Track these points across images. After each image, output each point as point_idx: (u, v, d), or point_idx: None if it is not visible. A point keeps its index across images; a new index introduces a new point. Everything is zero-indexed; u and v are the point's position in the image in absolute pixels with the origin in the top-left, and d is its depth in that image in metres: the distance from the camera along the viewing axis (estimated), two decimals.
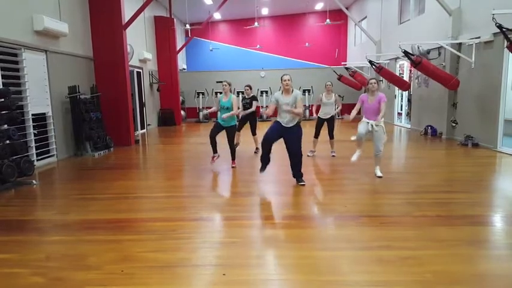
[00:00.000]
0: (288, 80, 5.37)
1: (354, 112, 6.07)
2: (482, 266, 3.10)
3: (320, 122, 7.90)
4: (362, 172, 6.41)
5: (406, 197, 5.04)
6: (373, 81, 5.95)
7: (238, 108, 7.44)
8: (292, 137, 5.47)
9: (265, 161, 5.71)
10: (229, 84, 6.86)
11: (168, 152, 9.93)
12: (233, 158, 7.07)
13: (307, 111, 16.57)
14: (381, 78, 14.19)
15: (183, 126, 16.23)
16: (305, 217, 4.37)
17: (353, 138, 6.22)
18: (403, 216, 4.27)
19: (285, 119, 5.41)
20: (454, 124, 9.92)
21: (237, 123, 7.84)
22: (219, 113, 6.94)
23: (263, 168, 5.77)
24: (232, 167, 6.99)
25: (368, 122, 5.95)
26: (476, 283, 2.81)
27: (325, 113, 7.83)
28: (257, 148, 8.57)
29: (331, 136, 7.95)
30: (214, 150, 7.07)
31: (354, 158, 6.18)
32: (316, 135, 7.95)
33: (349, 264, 3.14)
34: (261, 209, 4.80)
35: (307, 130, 8.00)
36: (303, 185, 5.58)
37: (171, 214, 4.51)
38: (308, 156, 7.87)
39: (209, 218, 4.44)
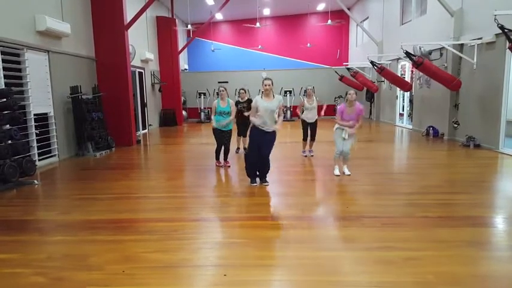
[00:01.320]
0: (269, 85, 5.41)
1: (345, 123, 6.19)
2: (483, 267, 3.10)
3: (305, 125, 8.01)
4: (363, 173, 6.40)
5: (407, 197, 5.04)
6: (352, 92, 6.15)
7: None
8: (268, 140, 5.54)
9: (255, 174, 5.79)
10: (226, 89, 7.02)
11: (169, 152, 9.95)
12: (225, 158, 7.24)
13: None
14: (383, 79, 14.19)
15: (185, 126, 16.25)
16: (306, 218, 4.37)
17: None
18: (404, 217, 4.26)
19: (266, 125, 5.42)
20: (455, 125, 9.90)
21: (237, 127, 8.26)
22: (214, 119, 6.93)
23: (255, 180, 5.80)
24: (228, 166, 7.13)
25: (343, 130, 6.12)
26: (477, 284, 2.81)
27: (308, 117, 7.94)
28: (245, 148, 8.63)
29: (313, 138, 8.06)
30: (218, 157, 7.24)
31: (337, 172, 6.30)
32: (305, 138, 8.06)
33: (350, 264, 3.14)
34: (262, 209, 4.79)
35: (293, 131, 8.01)
36: (267, 185, 5.67)
37: (173, 214, 4.52)
38: (305, 156, 8.01)
39: (210, 218, 4.44)
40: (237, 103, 8.24)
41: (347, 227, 4.01)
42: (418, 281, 2.82)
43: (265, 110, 5.36)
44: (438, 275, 2.89)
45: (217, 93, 7.18)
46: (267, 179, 5.79)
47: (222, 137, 7.01)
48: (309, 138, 8.03)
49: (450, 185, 5.82)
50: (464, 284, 2.80)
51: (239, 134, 8.60)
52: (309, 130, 7.96)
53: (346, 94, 6.26)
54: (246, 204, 4.96)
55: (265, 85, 5.40)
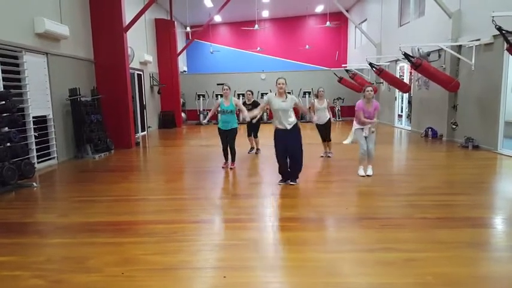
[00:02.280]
0: (283, 83, 5.44)
1: (367, 120, 6.09)
2: (483, 268, 3.10)
3: (320, 127, 8.03)
4: None
5: (406, 199, 5.04)
6: (370, 88, 6.13)
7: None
8: (292, 138, 5.53)
9: (286, 172, 5.76)
10: (230, 88, 7.00)
11: (168, 154, 9.94)
12: (233, 160, 7.14)
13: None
14: (381, 80, 14.22)
15: (184, 128, 16.24)
16: (306, 219, 4.37)
17: (345, 142, 6.38)
18: (404, 218, 4.27)
19: (286, 122, 5.46)
20: (454, 126, 9.91)
21: (247, 128, 8.30)
22: (219, 118, 7.00)
23: (285, 180, 5.80)
24: (231, 169, 7.06)
25: (362, 129, 6.14)
26: (476, 285, 2.81)
27: (320, 119, 7.95)
28: (258, 149, 8.66)
29: (328, 139, 8.08)
30: (226, 159, 7.19)
31: (362, 172, 6.28)
32: (323, 139, 8.10)
33: (350, 266, 3.14)
34: (262, 211, 4.79)
35: (309, 132, 8.02)
36: (293, 184, 5.68)
37: (172, 216, 4.51)
38: (321, 156, 8.08)
39: (210, 220, 4.44)
40: (244, 105, 8.32)
41: (346, 228, 4.01)
42: (418, 282, 2.82)
43: (281, 110, 5.42)
44: (438, 276, 2.89)
45: (217, 95, 7.28)
46: (297, 180, 5.77)
47: (226, 137, 7.00)
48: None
49: (449, 186, 5.83)
50: (464, 285, 2.80)
51: (249, 135, 8.64)
52: (324, 131, 8.00)
53: (364, 91, 6.18)
54: (246, 206, 4.95)
55: (279, 83, 5.44)
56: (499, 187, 6.00)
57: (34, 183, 6.15)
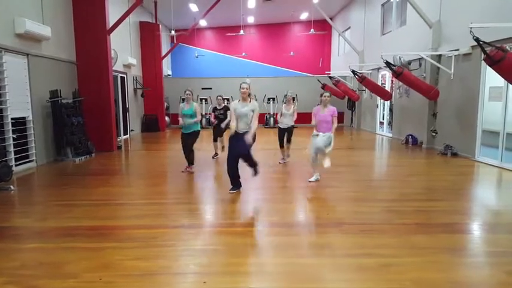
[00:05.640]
0: (246, 88, 5.39)
1: (313, 123, 6.35)
2: (460, 273, 3.17)
3: (281, 132, 8.05)
4: (344, 180, 6.47)
5: (386, 204, 5.11)
6: (327, 94, 6.32)
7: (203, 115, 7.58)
8: (242, 140, 5.38)
9: (236, 183, 5.69)
10: (192, 93, 7.08)
11: (150, 158, 9.84)
12: (191, 163, 7.20)
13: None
14: (364, 87, 14.44)
15: (167, 132, 16.12)
16: (287, 224, 4.38)
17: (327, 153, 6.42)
18: (383, 224, 4.33)
19: (240, 127, 5.43)
20: (434, 134, 10.14)
21: (213, 133, 8.50)
22: (183, 122, 7.02)
23: (235, 188, 5.70)
24: (182, 172, 7.12)
25: (317, 135, 6.20)
26: None
27: (284, 123, 8.01)
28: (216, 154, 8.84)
29: (289, 141, 8.05)
30: (189, 163, 7.23)
31: (313, 179, 6.32)
32: (281, 145, 8.11)
33: (330, 271, 3.16)
34: (243, 216, 4.80)
35: (273, 138, 8.05)
36: (255, 175, 5.75)
37: (153, 221, 4.45)
38: (280, 163, 8.03)
39: (191, 225, 4.40)
40: (214, 109, 8.57)
41: (327, 234, 4.04)
42: (396, 287, 2.86)
43: (239, 115, 5.39)
44: (416, 281, 2.94)
45: (201, 99, 7.32)
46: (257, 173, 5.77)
47: (186, 141, 7.05)
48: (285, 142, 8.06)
49: (428, 192, 5.94)
50: None
51: (215, 140, 8.73)
52: (286, 135, 7.99)
53: (321, 96, 6.34)
54: (226, 211, 4.94)
55: (242, 88, 5.41)
56: (476, 194, 6.16)
57: (11, 186, 5.98)
